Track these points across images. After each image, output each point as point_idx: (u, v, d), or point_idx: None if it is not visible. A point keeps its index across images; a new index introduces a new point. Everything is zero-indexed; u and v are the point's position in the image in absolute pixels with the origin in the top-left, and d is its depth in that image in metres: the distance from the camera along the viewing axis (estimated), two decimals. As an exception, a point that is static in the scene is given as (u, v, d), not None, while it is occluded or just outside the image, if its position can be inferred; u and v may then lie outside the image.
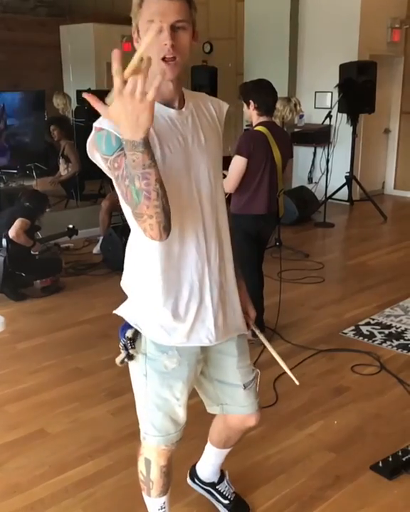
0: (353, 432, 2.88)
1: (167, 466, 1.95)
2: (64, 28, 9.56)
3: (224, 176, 3.77)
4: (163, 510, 2.07)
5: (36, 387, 3.33)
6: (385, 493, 2.45)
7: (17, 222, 4.57)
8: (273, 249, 5.03)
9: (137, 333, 1.75)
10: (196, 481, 2.38)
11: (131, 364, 1.80)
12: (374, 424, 2.95)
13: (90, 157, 1.55)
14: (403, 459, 2.58)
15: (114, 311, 1.82)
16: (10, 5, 9.49)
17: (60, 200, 6.84)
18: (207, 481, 2.35)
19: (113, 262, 5.25)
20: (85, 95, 1.28)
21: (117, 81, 1.25)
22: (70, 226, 5.41)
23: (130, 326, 1.75)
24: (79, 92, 7.90)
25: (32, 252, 4.78)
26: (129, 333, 1.74)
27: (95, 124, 1.51)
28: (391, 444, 2.75)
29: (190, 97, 1.68)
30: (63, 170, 6.94)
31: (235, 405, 1.95)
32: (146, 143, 1.31)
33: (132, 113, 1.25)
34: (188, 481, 2.41)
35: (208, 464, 2.31)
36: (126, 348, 1.75)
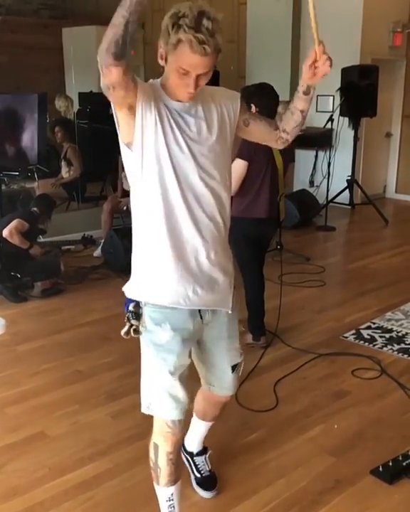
0: (353, 436, 2.88)
1: (173, 454, 2.05)
2: (66, 31, 9.58)
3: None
4: (170, 502, 2.12)
5: (36, 390, 3.33)
6: (385, 498, 2.44)
7: (13, 223, 4.60)
8: (274, 252, 5.03)
9: (138, 307, 1.93)
10: (182, 449, 2.48)
11: (141, 336, 1.96)
12: (374, 429, 2.94)
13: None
14: (404, 464, 2.58)
15: (123, 288, 1.99)
16: (13, 7, 9.51)
17: (62, 203, 6.84)
18: (187, 449, 2.54)
19: (114, 264, 5.25)
20: None
21: None
22: (86, 234, 5.43)
23: (132, 301, 1.94)
24: (81, 95, 7.92)
25: (31, 254, 4.78)
26: (131, 307, 1.94)
27: None
28: (392, 448, 2.74)
29: (203, 93, 1.83)
30: (65, 173, 6.95)
31: (219, 387, 2.19)
32: None
33: None
34: None
35: (191, 432, 2.48)
36: (129, 320, 1.94)
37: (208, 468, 2.52)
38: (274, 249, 5.15)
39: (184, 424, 2.05)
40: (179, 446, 2.09)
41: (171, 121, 1.77)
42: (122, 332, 1.95)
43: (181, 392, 1.96)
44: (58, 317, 4.40)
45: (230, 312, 2.05)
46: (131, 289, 1.96)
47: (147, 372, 1.98)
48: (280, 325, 3.91)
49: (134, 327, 1.93)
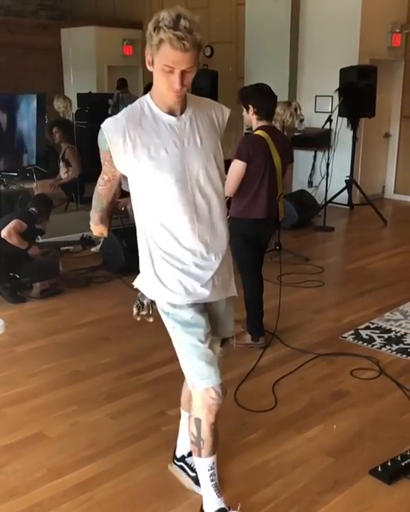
0: (352, 437, 2.88)
1: (215, 424, 2.20)
2: (65, 31, 9.60)
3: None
4: (212, 470, 2.28)
5: (35, 390, 3.32)
6: (384, 498, 2.44)
7: (11, 223, 4.60)
8: (273, 252, 5.04)
9: (144, 297, 2.21)
10: (173, 461, 2.60)
11: (163, 319, 2.16)
12: (373, 429, 2.94)
13: None
14: (403, 464, 2.58)
15: (133, 283, 2.21)
16: (11, 8, 9.52)
17: (61, 203, 6.85)
18: (178, 455, 2.58)
19: (113, 265, 5.25)
20: None
21: None
22: (85, 235, 5.42)
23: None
24: (80, 95, 7.93)
25: (29, 255, 4.78)
26: (140, 296, 2.22)
27: (102, 125, 1.98)
28: (391, 448, 2.74)
29: (192, 104, 2.02)
30: (64, 173, 6.95)
31: None
32: None
33: None
34: (169, 466, 2.62)
35: (182, 432, 2.55)
36: (137, 307, 2.22)
37: None
38: (273, 249, 5.16)
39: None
40: (220, 415, 2.20)
41: (150, 147, 1.96)
42: (134, 314, 2.22)
43: (214, 357, 2.12)
44: (57, 318, 4.40)
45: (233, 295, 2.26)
46: (143, 285, 2.18)
47: (182, 350, 2.14)
48: (279, 325, 3.91)
49: (142, 313, 2.23)
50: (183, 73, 1.84)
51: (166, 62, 1.82)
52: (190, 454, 2.53)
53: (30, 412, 3.10)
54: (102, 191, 2.17)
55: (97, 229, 2.33)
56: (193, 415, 2.21)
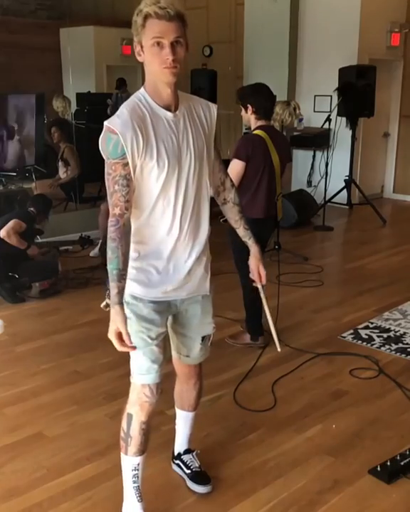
0: (351, 436, 2.88)
1: (146, 424, 2.17)
2: (64, 31, 9.57)
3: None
4: (136, 471, 2.22)
5: (34, 390, 3.33)
6: (383, 498, 2.44)
7: (10, 223, 4.59)
8: (272, 252, 5.04)
9: None
10: (172, 460, 2.62)
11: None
12: (372, 428, 2.94)
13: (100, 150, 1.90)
14: (402, 463, 2.58)
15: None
16: (10, 8, 9.50)
17: (60, 203, 6.84)
18: (175, 453, 2.60)
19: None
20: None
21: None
22: (84, 235, 5.42)
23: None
24: (79, 95, 7.92)
25: (28, 255, 4.78)
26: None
27: (107, 124, 1.86)
28: (390, 448, 2.75)
29: (184, 100, 2.00)
30: (62, 173, 6.94)
31: (187, 355, 2.31)
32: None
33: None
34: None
35: (177, 432, 2.57)
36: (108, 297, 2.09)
37: (197, 464, 2.53)
38: (272, 249, 5.16)
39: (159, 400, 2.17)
40: (152, 416, 2.19)
41: (153, 143, 1.88)
42: (102, 306, 2.11)
43: (159, 356, 2.12)
44: (56, 318, 4.40)
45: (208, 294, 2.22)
46: None
47: (134, 342, 2.07)
48: (278, 325, 3.89)
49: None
50: (173, 46, 1.82)
51: (153, 34, 1.81)
52: (186, 452, 2.56)
53: (29, 411, 3.11)
54: (119, 231, 1.90)
55: (118, 320, 1.94)
56: (126, 409, 2.18)
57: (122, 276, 1.89)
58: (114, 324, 1.91)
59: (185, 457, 2.55)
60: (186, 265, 2.07)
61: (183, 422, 2.53)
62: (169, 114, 1.93)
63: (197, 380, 2.43)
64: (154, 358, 2.10)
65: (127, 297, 2.05)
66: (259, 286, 2.42)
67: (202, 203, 2.07)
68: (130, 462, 2.21)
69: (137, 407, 2.14)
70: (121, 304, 1.91)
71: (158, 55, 1.83)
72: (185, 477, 2.53)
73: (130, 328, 2.03)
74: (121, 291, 1.90)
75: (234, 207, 2.28)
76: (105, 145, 1.86)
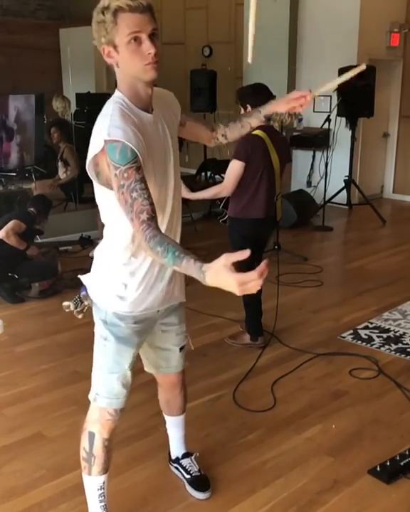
0: (351, 436, 2.88)
1: (109, 441, 2.10)
2: (64, 31, 9.58)
3: (222, 180, 3.79)
4: (102, 490, 2.15)
5: (34, 390, 3.33)
6: (383, 498, 2.45)
7: (10, 223, 4.59)
8: (272, 252, 5.04)
9: (86, 298, 2.09)
10: (170, 462, 2.60)
11: (96, 327, 2.04)
12: (372, 428, 2.94)
13: (86, 166, 1.75)
14: (401, 463, 2.58)
15: (79, 276, 2.10)
16: (10, 8, 9.51)
17: (59, 203, 6.84)
18: (173, 457, 2.57)
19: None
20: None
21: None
22: (84, 235, 5.42)
23: (86, 290, 2.07)
24: (78, 95, 7.91)
25: (28, 255, 4.78)
26: (82, 296, 2.11)
27: (107, 137, 1.68)
28: (389, 448, 2.75)
29: (155, 97, 1.86)
30: (62, 173, 6.94)
31: (168, 367, 2.28)
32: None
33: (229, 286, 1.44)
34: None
35: (170, 438, 2.53)
36: (75, 303, 2.15)
37: (196, 469, 2.52)
38: (272, 249, 5.16)
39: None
40: (115, 433, 2.13)
41: (148, 147, 1.77)
42: (64, 305, 2.15)
43: (130, 381, 2.07)
44: (56, 318, 4.39)
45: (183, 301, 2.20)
46: (93, 288, 2.05)
47: (103, 362, 2.04)
48: (278, 325, 3.91)
49: (75, 310, 2.16)
50: (151, 40, 1.69)
51: (129, 29, 1.66)
52: (184, 456, 2.53)
53: (29, 412, 3.11)
54: (155, 230, 1.62)
55: (216, 270, 1.46)
56: (87, 428, 2.10)
57: (184, 253, 1.54)
58: (222, 277, 1.44)
59: (184, 462, 2.53)
60: (169, 271, 1.98)
61: (175, 426, 2.51)
62: (150, 116, 1.82)
63: (181, 388, 2.40)
64: (125, 382, 2.05)
65: (108, 316, 1.98)
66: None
67: (178, 206, 1.99)
68: (95, 482, 2.13)
69: (98, 425, 2.07)
70: (203, 263, 1.50)
71: (137, 51, 1.68)
72: (184, 481, 2.52)
73: (106, 350, 2.00)
74: (195, 260, 1.52)
75: (230, 124, 2.18)
76: (109, 155, 1.66)
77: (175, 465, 2.57)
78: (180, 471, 2.54)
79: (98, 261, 2.02)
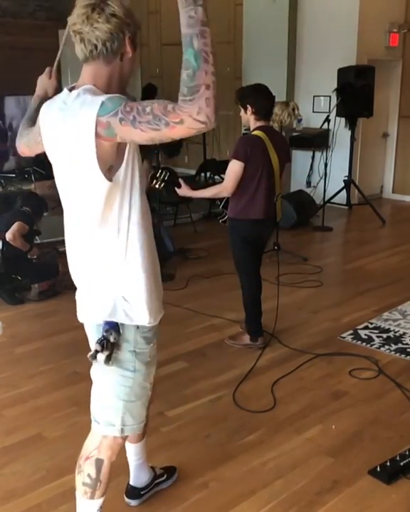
0: (351, 437, 2.88)
1: (111, 462, 2.02)
2: (63, 32, 9.56)
3: (221, 180, 3.78)
4: (101, 509, 2.09)
5: (34, 392, 3.32)
6: (383, 498, 2.44)
7: (15, 225, 4.58)
8: (271, 253, 5.03)
9: (117, 332, 1.83)
10: (140, 494, 2.42)
11: (117, 363, 1.85)
12: (372, 429, 2.94)
13: (97, 168, 1.64)
14: (401, 464, 2.58)
15: (101, 322, 1.90)
16: (9, 9, 9.51)
17: (59, 204, 6.84)
18: (143, 485, 2.41)
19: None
20: None
21: None
22: None
23: (112, 324, 1.84)
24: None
25: (29, 256, 4.78)
26: (106, 333, 1.83)
27: (94, 109, 1.56)
28: (390, 448, 2.74)
29: None
30: (62, 174, 6.93)
31: None
32: None
33: None
34: (130, 501, 2.42)
35: (133, 467, 2.38)
36: (101, 344, 1.80)
37: (161, 469, 2.49)
38: (271, 249, 5.15)
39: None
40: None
41: None
42: (90, 354, 1.83)
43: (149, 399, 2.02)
44: (55, 319, 4.39)
45: None
46: (113, 314, 1.86)
47: (128, 393, 1.90)
48: (278, 325, 3.91)
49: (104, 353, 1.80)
50: None
51: (136, 41, 1.74)
52: (155, 479, 2.44)
53: (28, 413, 3.10)
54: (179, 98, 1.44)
55: None
56: (94, 456, 1.98)
57: (190, 33, 1.40)
58: None
59: (157, 480, 2.45)
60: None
61: (131, 453, 2.36)
62: None
63: None
64: (147, 402, 1.99)
65: (138, 345, 1.85)
66: None
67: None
68: (96, 504, 2.06)
69: (110, 452, 1.99)
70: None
71: (135, 61, 1.79)
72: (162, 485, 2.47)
73: (134, 381, 1.87)
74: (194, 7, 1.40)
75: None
76: (105, 110, 1.54)
77: (149, 490, 2.45)
78: (158, 486, 2.46)
79: (100, 282, 1.91)
